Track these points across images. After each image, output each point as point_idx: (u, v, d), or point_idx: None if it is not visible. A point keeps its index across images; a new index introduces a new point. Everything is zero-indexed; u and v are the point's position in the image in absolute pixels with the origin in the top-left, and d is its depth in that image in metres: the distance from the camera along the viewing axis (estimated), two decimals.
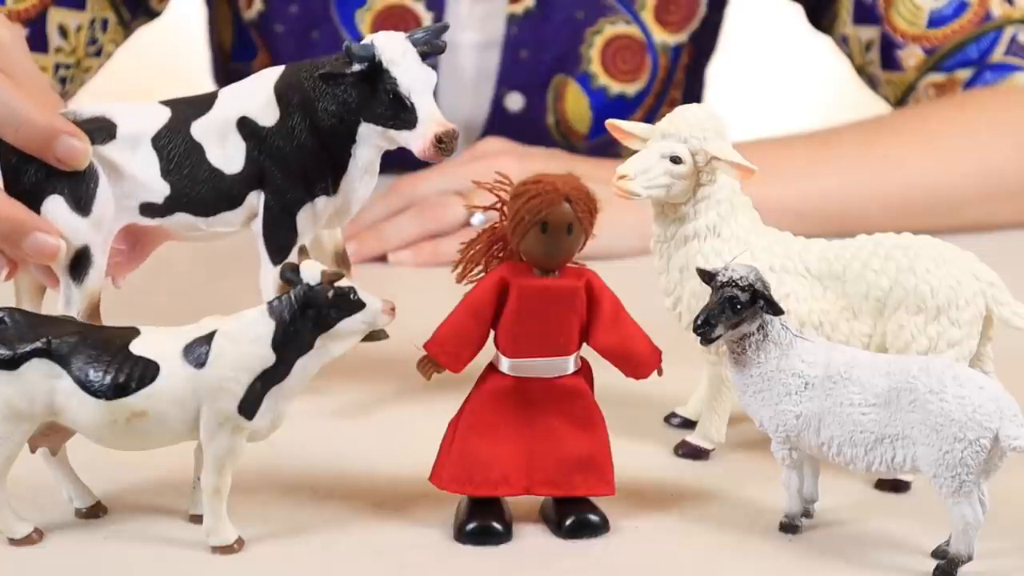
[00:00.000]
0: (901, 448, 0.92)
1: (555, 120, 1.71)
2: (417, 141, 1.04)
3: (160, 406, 0.91)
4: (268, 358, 0.91)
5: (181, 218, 1.08)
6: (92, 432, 0.92)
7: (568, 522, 0.96)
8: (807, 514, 0.98)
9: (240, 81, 1.11)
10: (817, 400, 0.93)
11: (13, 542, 0.93)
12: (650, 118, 1.69)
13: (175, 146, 1.07)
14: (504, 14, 1.66)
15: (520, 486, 0.96)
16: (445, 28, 1.07)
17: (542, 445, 0.96)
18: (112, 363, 0.90)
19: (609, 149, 1.64)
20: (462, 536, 0.95)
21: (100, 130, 1.06)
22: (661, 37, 1.70)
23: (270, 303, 0.92)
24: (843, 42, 1.72)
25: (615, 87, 1.70)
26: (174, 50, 2.31)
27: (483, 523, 0.95)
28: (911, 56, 1.65)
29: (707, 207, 1.03)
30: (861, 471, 0.93)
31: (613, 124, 1.05)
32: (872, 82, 1.73)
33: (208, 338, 0.91)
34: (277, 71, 1.09)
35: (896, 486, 1.03)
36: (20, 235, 1.03)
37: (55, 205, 1.05)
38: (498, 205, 0.98)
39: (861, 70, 1.73)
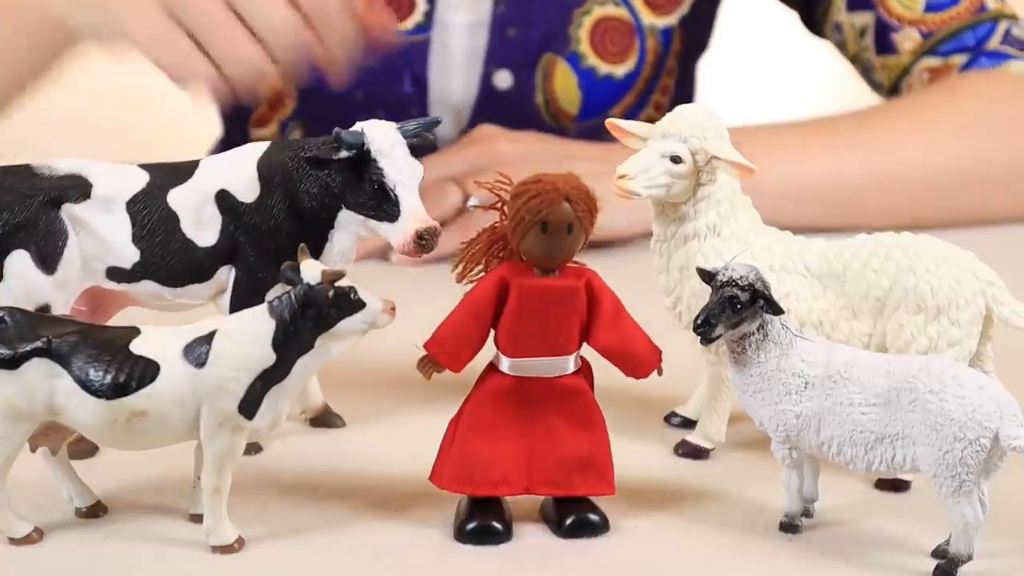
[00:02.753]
0: (901, 448, 0.92)
1: (544, 100, 1.70)
2: (397, 235, 1.02)
3: (160, 406, 0.91)
4: (268, 358, 0.91)
5: (147, 286, 1.04)
6: (92, 432, 0.92)
7: (568, 522, 0.96)
8: (807, 514, 0.98)
9: (224, 152, 1.08)
10: (817, 400, 0.93)
11: (13, 542, 0.93)
12: (642, 102, 1.70)
13: (150, 212, 1.04)
14: None
15: (520, 486, 0.96)
16: (437, 123, 1.06)
17: (542, 445, 0.96)
18: (112, 363, 0.90)
19: (599, 132, 1.63)
20: (462, 536, 0.95)
21: (75, 188, 1.03)
22: (649, 19, 1.70)
23: (270, 303, 0.92)
24: (837, 30, 1.71)
25: (603, 67, 1.70)
26: None
27: (483, 523, 0.95)
28: (907, 39, 1.65)
29: (707, 207, 1.03)
30: (861, 471, 0.94)
31: (613, 123, 1.05)
32: (866, 70, 1.72)
33: (208, 338, 0.91)
34: (262, 147, 1.06)
35: (896, 486, 1.03)
36: None
37: (20, 260, 1.01)
38: (498, 205, 0.98)
39: (855, 58, 1.72)
